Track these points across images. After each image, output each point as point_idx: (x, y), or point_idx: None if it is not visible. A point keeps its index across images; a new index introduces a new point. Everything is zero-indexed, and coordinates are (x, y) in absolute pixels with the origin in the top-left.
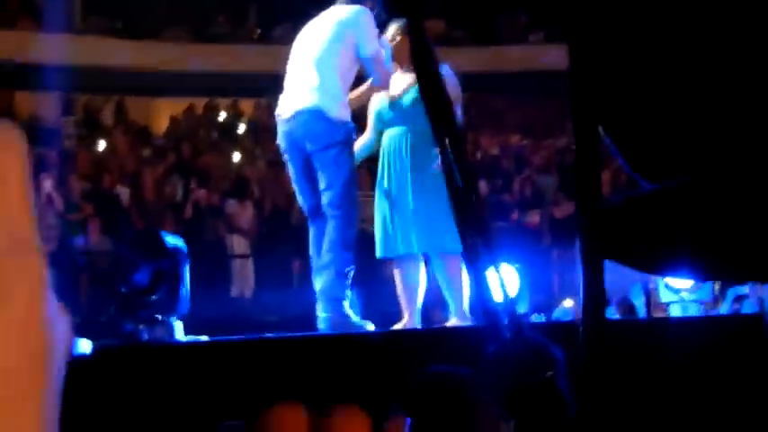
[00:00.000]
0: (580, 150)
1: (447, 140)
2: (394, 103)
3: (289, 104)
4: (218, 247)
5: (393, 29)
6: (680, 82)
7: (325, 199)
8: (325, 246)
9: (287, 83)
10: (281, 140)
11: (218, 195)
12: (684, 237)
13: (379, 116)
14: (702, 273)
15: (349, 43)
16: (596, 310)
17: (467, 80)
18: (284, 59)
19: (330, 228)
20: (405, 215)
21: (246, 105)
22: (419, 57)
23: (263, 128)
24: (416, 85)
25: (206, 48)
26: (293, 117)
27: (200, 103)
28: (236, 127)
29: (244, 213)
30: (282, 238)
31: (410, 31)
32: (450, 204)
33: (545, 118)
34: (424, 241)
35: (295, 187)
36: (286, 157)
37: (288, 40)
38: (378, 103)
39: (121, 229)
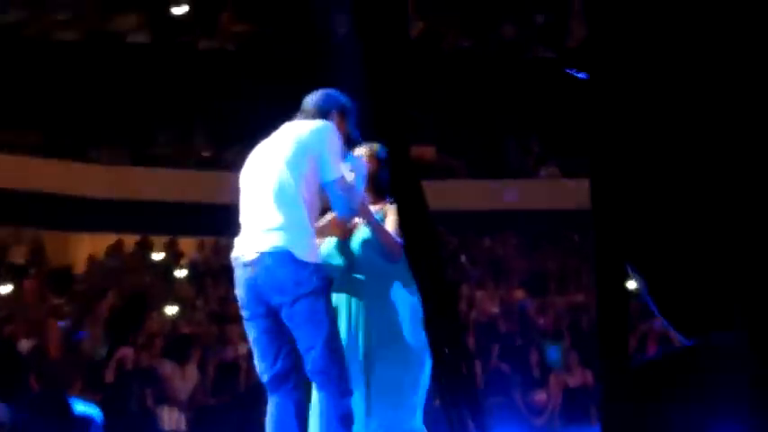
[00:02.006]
0: (603, 307)
1: (433, 296)
2: (340, 246)
3: (248, 245)
4: (147, 421)
5: (363, 150)
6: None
7: (307, 364)
8: (322, 427)
9: (243, 217)
10: (239, 290)
11: (149, 355)
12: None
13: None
14: None
15: (311, 166)
16: None
17: (462, 219)
18: (237, 188)
19: (321, 401)
20: (358, 388)
21: (187, 245)
22: (402, 191)
23: (208, 272)
24: (366, 224)
25: (141, 172)
26: (255, 261)
27: (130, 240)
28: (173, 271)
29: (181, 379)
30: (227, 412)
31: (393, 159)
32: (436, 377)
33: (557, 269)
34: (382, 419)
35: (254, 349)
36: (245, 312)
37: (242, 164)
38: (324, 246)
39: (22, 392)
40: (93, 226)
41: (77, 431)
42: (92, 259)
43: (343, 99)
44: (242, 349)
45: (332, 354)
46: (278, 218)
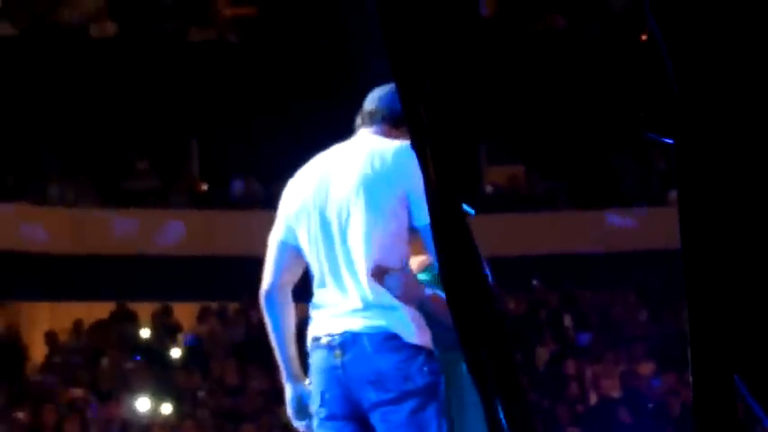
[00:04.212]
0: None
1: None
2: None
3: (334, 322)
4: None
5: None
6: None
7: None
8: None
9: (318, 282)
10: (318, 381)
11: None
12: None
13: None
14: None
15: (401, 210)
16: None
17: (565, 266)
18: (256, 234)
19: None
20: None
21: (185, 314)
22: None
23: (214, 352)
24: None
25: (115, 215)
26: (345, 344)
27: (103, 308)
28: (166, 351)
29: None
30: None
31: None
32: None
33: None
34: None
35: None
36: (321, 410)
37: (261, 199)
38: None
39: None
40: (53, 292)
41: None
42: (51, 339)
43: None
44: None
45: None
46: (373, 286)
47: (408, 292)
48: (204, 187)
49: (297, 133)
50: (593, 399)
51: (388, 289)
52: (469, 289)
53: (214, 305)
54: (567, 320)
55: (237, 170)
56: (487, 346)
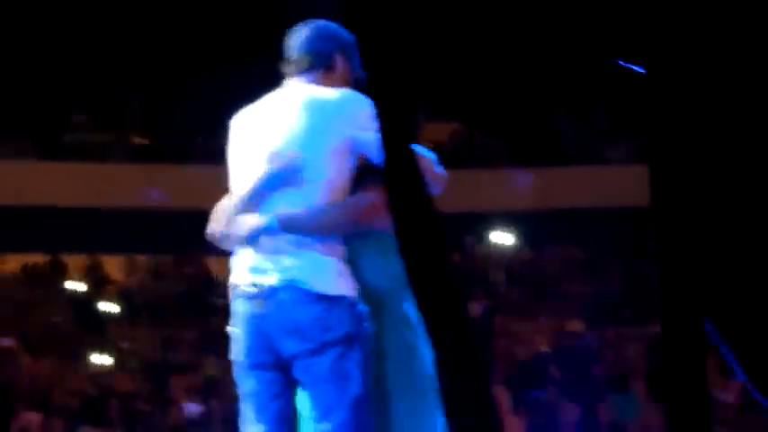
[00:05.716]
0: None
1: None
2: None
3: (254, 271)
4: None
5: None
6: None
7: None
8: None
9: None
10: (240, 330)
11: (63, 421)
12: None
13: None
14: None
15: (345, 155)
16: None
17: (497, 223)
18: (194, 189)
19: None
20: None
21: (113, 266)
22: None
23: (144, 306)
24: None
25: (51, 168)
26: (265, 294)
27: (35, 262)
28: (96, 305)
29: None
30: None
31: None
32: None
33: (628, 291)
34: None
35: (247, 407)
36: (245, 358)
37: (201, 153)
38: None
39: None
40: None
41: None
42: None
43: (342, 32)
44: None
45: (359, 426)
46: (296, 236)
47: (346, 219)
48: (141, 141)
49: (235, 87)
50: (524, 354)
51: (329, 225)
52: (421, 228)
53: (144, 259)
54: (499, 276)
55: (179, 124)
56: (439, 282)
